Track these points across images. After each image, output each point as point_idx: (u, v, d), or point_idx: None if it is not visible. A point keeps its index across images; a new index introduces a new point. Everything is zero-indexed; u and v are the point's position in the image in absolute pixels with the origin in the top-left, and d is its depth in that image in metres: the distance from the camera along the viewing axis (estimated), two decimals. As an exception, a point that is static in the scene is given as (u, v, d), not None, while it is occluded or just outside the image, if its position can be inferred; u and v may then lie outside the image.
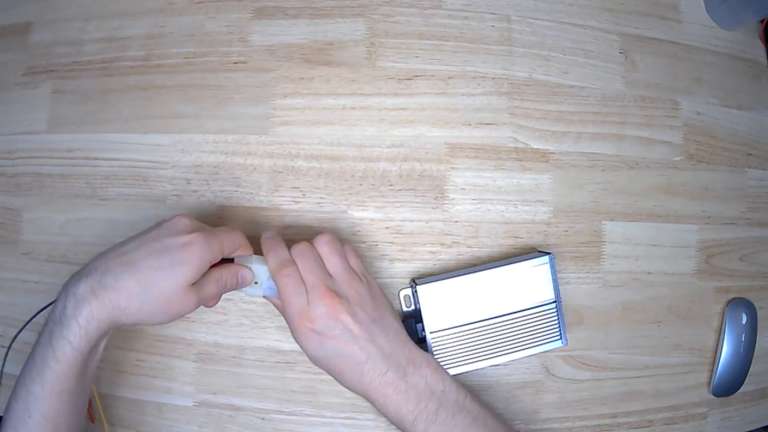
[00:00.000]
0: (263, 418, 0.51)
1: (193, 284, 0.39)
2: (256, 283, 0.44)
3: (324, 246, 0.43)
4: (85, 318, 0.36)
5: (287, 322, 0.43)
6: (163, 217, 0.43)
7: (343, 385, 0.43)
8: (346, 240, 0.50)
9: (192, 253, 0.39)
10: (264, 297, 0.45)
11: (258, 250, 0.45)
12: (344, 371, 0.42)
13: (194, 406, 0.50)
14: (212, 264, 0.41)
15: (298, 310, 0.41)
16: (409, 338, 0.44)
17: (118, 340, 0.51)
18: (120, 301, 0.37)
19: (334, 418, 0.51)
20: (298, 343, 0.43)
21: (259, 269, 0.44)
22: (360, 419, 0.51)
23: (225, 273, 0.42)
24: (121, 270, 0.37)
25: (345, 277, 0.43)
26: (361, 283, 0.43)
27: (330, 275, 0.43)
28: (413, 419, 0.41)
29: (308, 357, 0.43)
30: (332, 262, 0.43)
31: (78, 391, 0.38)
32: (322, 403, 0.51)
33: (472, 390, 0.44)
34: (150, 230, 0.41)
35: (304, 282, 0.42)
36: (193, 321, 0.51)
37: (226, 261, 0.43)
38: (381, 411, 0.42)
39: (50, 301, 0.40)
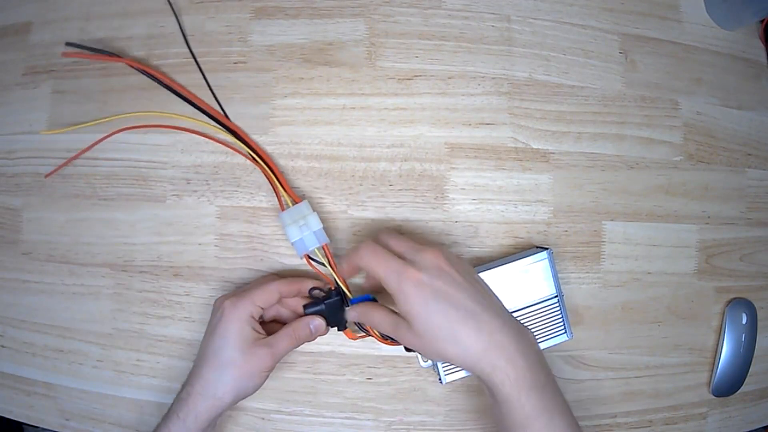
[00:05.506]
0: (263, 418, 0.51)
1: (262, 341, 0.44)
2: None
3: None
4: (187, 413, 0.42)
5: (390, 290, 0.40)
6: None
7: (457, 359, 0.39)
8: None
9: (225, 320, 0.43)
10: (303, 257, 0.47)
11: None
12: (460, 328, 0.38)
13: (194, 406, 0.50)
14: (259, 316, 0.45)
15: (397, 268, 0.40)
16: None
17: (119, 341, 0.51)
18: (208, 391, 0.42)
19: (334, 418, 0.51)
20: (407, 308, 0.39)
21: (312, 221, 0.47)
22: (360, 419, 0.51)
23: (297, 326, 0.46)
24: (199, 366, 0.44)
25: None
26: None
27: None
28: (530, 385, 0.38)
29: (418, 321, 0.39)
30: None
31: None
32: (322, 403, 0.51)
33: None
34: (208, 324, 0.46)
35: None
36: (194, 321, 0.51)
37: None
38: (497, 381, 0.38)
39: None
